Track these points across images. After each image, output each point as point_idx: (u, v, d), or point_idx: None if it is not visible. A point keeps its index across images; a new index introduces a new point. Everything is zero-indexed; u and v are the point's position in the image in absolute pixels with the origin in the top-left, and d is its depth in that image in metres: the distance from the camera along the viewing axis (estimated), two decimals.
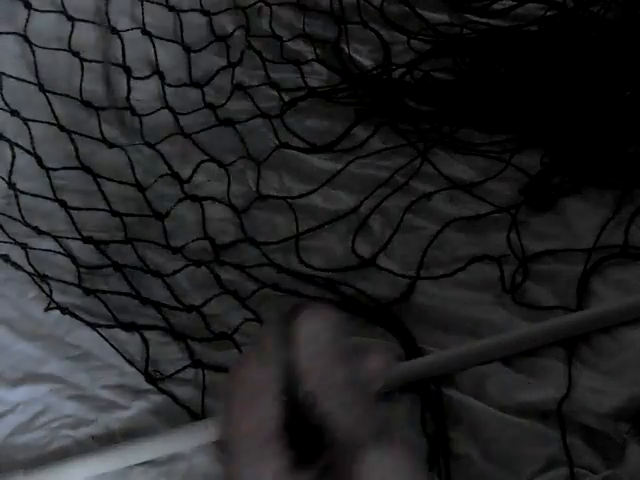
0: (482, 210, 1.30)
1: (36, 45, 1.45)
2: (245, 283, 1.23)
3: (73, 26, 1.48)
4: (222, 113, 1.47)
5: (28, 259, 1.25)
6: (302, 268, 1.24)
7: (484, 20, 1.63)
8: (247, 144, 1.42)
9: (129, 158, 1.38)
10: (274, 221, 1.32)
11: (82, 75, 1.45)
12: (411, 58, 1.56)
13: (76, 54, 1.46)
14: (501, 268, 1.21)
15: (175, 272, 1.24)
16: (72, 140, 1.40)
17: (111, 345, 1.14)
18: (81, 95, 1.44)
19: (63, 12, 1.48)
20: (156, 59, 1.49)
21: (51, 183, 1.35)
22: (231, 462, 0.43)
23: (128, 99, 1.46)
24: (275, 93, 1.50)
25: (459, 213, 1.30)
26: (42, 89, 1.43)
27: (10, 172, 1.36)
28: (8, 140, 1.39)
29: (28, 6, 1.46)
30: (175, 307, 1.20)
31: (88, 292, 1.21)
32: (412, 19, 1.62)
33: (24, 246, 1.27)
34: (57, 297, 1.20)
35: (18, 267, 1.24)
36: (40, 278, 1.22)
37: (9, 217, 1.31)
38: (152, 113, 1.45)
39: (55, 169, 1.37)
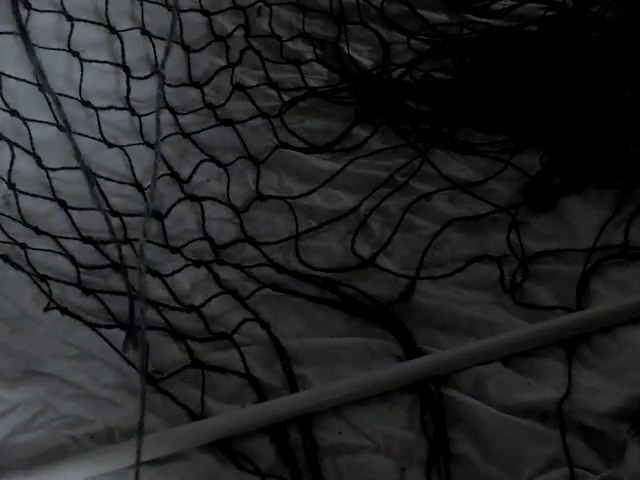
0: (482, 210, 1.30)
1: (36, 45, 1.45)
2: (245, 283, 1.23)
3: (73, 26, 1.47)
4: (222, 113, 1.47)
5: (28, 259, 1.25)
6: (302, 268, 1.24)
7: (484, 20, 1.63)
8: (247, 144, 1.42)
9: (129, 158, 1.38)
10: (274, 221, 1.32)
11: (82, 75, 1.45)
12: (411, 58, 1.56)
13: (76, 54, 1.46)
14: (501, 268, 1.21)
15: (175, 272, 1.24)
16: (72, 140, 1.40)
17: (111, 345, 1.14)
18: (81, 95, 1.44)
19: (63, 12, 1.48)
20: (156, 59, 1.49)
21: (51, 183, 1.35)
22: None
23: (128, 99, 1.47)
24: (275, 93, 1.51)
25: (459, 213, 1.30)
26: (42, 89, 1.43)
27: (10, 172, 1.36)
28: (8, 140, 1.38)
29: (28, 6, 1.46)
30: (175, 307, 1.19)
31: (88, 292, 1.21)
32: (412, 19, 1.63)
33: (24, 246, 1.27)
34: (56, 297, 1.20)
35: (18, 267, 1.24)
36: (39, 278, 1.22)
37: (8, 217, 1.31)
38: (152, 113, 1.45)
39: (55, 169, 1.37)
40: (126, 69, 1.47)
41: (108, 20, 1.50)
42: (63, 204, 1.33)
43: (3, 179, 1.35)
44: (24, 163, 1.38)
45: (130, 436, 1.04)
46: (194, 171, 1.38)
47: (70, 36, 1.47)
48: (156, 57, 1.49)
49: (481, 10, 1.65)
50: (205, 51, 1.54)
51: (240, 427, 1.03)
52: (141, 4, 1.52)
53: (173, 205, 1.32)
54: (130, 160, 1.38)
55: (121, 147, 1.40)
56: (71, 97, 1.44)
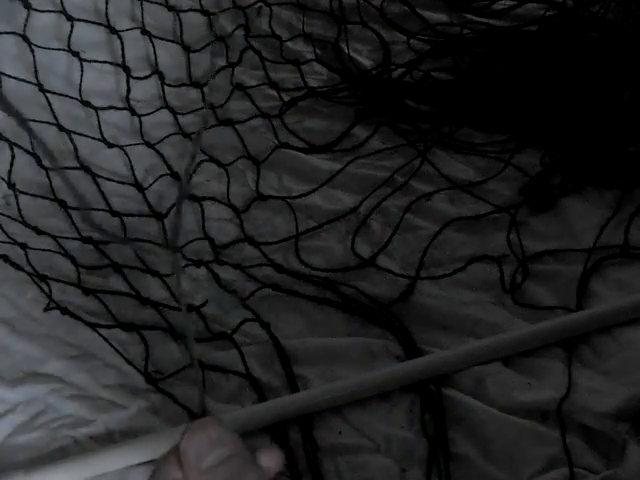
0: (482, 210, 1.30)
1: (35, 45, 1.45)
2: (245, 283, 1.23)
3: (73, 26, 1.47)
4: (222, 113, 1.47)
5: (28, 259, 1.25)
6: (302, 268, 1.24)
7: (484, 20, 1.63)
8: (247, 144, 1.42)
9: (129, 158, 1.38)
10: (274, 221, 1.32)
11: (82, 75, 1.45)
12: (411, 58, 1.56)
13: (76, 54, 1.46)
14: (501, 268, 1.21)
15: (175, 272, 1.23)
16: (72, 140, 1.40)
17: (111, 345, 1.14)
18: (80, 95, 1.44)
19: (63, 12, 1.48)
20: (156, 59, 1.49)
21: (51, 183, 1.35)
22: None
23: (127, 99, 1.47)
24: (275, 93, 1.51)
25: (459, 213, 1.30)
26: (42, 89, 1.43)
27: (10, 172, 1.36)
28: (8, 140, 1.38)
29: (27, 6, 1.46)
30: (175, 307, 1.19)
31: (87, 292, 1.21)
32: (412, 19, 1.63)
33: (23, 246, 1.27)
34: (57, 297, 1.20)
35: (18, 267, 1.24)
36: (39, 278, 1.22)
37: (8, 217, 1.31)
38: (152, 113, 1.45)
39: (55, 169, 1.37)
40: (126, 69, 1.47)
41: (108, 20, 1.50)
42: (63, 204, 1.33)
43: (3, 179, 1.35)
44: (24, 163, 1.38)
45: (130, 436, 1.04)
46: (194, 171, 1.38)
47: (70, 36, 1.47)
48: (156, 57, 1.49)
49: (481, 10, 1.65)
50: (205, 51, 1.54)
51: (240, 427, 1.03)
52: (141, 4, 1.52)
53: (173, 205, 1.32)
54: (130, 160, 1.38)
55: (121, 147, 1.40)
56: (71, 97, 1.44)
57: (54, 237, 1.28)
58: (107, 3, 1.49)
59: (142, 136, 1.42)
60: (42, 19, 1.48)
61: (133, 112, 1.45)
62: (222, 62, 1.53)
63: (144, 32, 1.51)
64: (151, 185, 1.36)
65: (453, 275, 1.21)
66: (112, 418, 1.06)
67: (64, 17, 1.48)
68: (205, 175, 1.39)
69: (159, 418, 1.06)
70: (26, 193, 1.34)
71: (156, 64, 1.49)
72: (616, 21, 1.57)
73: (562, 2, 1.61)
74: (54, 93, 1.43)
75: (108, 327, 1.16)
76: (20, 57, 1.46)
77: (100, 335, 1.15)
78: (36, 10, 1.47)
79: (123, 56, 1.47)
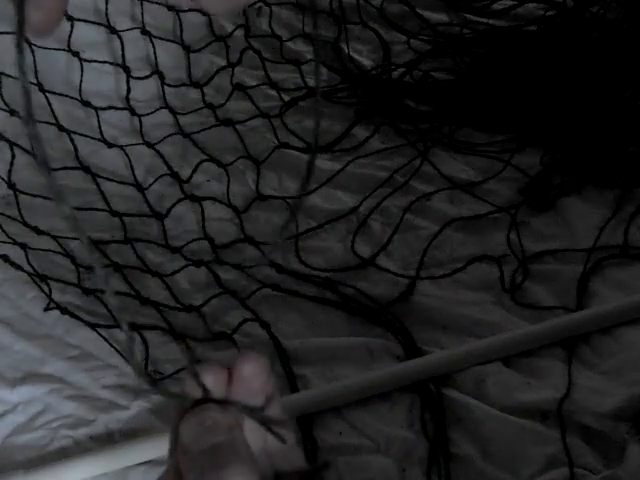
0: (482, 210, 1.30)
1: (35, 45, 1.45)
2: (245, 283, 1.23)
3: (73, 26, 1.47)
4: (222, 113, 1.47)
5: (28, 259, 1.25)
6: (302, 268, 1.24)
7: (484, 20, 1.63)
8: (247, 144, 1.42)
9: (129, 158, 1.38)
10: (274, 221, 1.32)
11: (81, 75, 1.45)
12: (411, 58, 1.56)
13: (76, 54, 1.46)
14: (501, 268, 1.21)
15: (175, 272, 1.24)
16: (71, 140, 1.40)
17: (111, 345, 1.14)
18: (80, 95, 1.44)
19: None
20: (156, 59, 1.49)
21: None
22: None
23: (127, 99, 1.47)
24: (275, 93, 1.51)
25: (459, 213, 1.30)
26: (42, 89, 1.43)
27: (10, 172, 1.36)
28: (8, 140, 1.38)
29: None
30: (175, 307, 1.19)
31: (87, 292, 1.21)
32: (412, 19, 1.63)
33: (23, 246, 1.26)
34: (56, 297, 1.20)
35: (17, 267, 1.24)
36: (39, 278, 1.22)
37: (8, 217, 1.31)
38: (152, 113, 1.45)
39: (55, 169, 1.36)
40: (126, 69, 1.47)
41: (108, 20, 1.50)
42: None
43: (3, 179, 1.35)
44: (24, 163, 1.38)
45: (130, 436, 1.04)
46: (194, 171, 1.38)
47: (70, 36, 1.47)
48: (156, 57, 1.49)
49: (481, 10, 1.65)
50: (205, 51, 1.54)
51: None
52: (141, 4, 1.52)
53: (173, 205, 1.32)
54: (130, 160, 1.38)
55: (121, 147, 1.40)
56: (71, 97, 1.44)
57: (54, 237, 1.28)
58: (107, 3, 1.49)
59: (142, 136, 1.42)
60: None
61: (133, 112, 1.45)
62: (222, 62, 1.53)
63: (144, 32, 1.51)
64: (151, 185, 1.36)
65: (453, 275, 1.21)
66: (112, 418, 1.06)
67: (64, 17, 1.48)
68: (205, 175, 1.39)
69: (159, 418, 1.06)
70: (26, 193, 1.34)
71: (156, 64, 1.49)
72: (616, 21, 1.57)
73: (562, 2, 1.62)
74: (54, 93, 1.43)
75: (108, 327, 1.16)
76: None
77: (100, 335, 1.15)
78: None
79: (123, 56, 1.47)
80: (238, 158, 1.39)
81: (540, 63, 1.49)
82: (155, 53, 1.49)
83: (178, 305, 1.20)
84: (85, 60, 1.46)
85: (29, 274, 1.23)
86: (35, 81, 1.43)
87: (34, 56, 1.44)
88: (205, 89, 1.49)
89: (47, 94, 1.43)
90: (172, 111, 1.46)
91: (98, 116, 1.42)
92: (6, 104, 1.42)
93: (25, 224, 1.30)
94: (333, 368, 1.11)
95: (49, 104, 1.42)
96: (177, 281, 1.23)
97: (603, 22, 1.57)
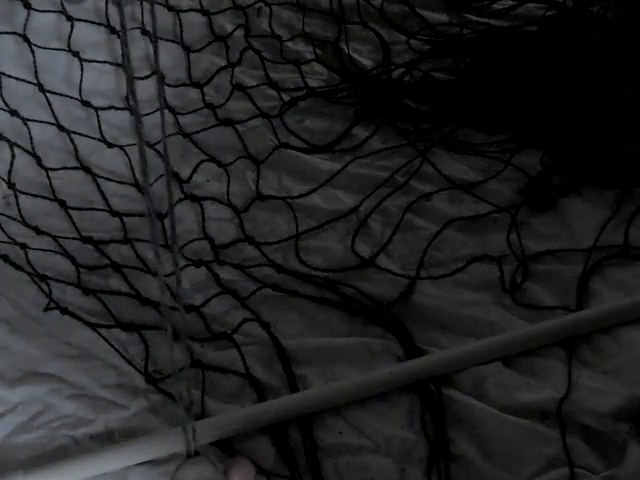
0: (482, 210, 1.30)
1: (35, 45, 1.45)
2: (245, 283, 1.23)
3: (73, 26, 1.47)
4: (222, 113, 1.47)
5: (27, 259, 1.25)
6: (302, 268, 1.24)
7: (484, 20, 1.63)
8: (247, 144, 1.42)
9: (129, 158, 1.38)
10: (274, 221, 1.32)
11: (82, 75, 1.45)
12: (411, 58, 1.56)
13: (76, 54, 1.46)
14: (501, 268, 1.21)
15: (175, 272, 1.23)
16: (72, 140, 1.40)
17: (111, 345, 1.14)
18: (80, 95, 1.44)
19: (63, 12, 1.48)
20: (156, 59, 1.49)
21: (51, 183, 1.35)
22: None
23: (128, 99, 1.47)
24: (275, 93, 1.51)
25: (459, 213, 1.30)
26: (42, 89, 1.43)
27: (9, 172, 1.36)
28: (8, 140, 1.38)
29: (27, 6, 1.46)
30: (175, 307, 1.19)
31: (87, 292, 1.21)
32: (412, 19, 1.63)
33: (23, 246, 1.27)
34: (57, 297, 1.20)
35: (17, 267, 1.24)
36: (39, 278, 1.22)
37: (8, 217, 1.31)
38: (152, 113, 1.44)
39: (55, 169, 1.37)
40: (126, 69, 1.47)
41: (108, 20, 1.50)
42: (63, 204, 1.33)
43: (3, 179, 1.35)
44: (24, 163, 1.38)
45: (130, 436, 1.04)
46: (194, 171, 1.38)
47: (70, 36, 1.47)
48: (156, 57, 1.49)
49: (481, 10, 1.65)
50: (205, 51, 1.54)
51: (240, 427, 1.03)
52: (141, 4, 1.52)
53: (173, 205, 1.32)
54: (130, 160, 1.38)
55: (121, 147, 1.40)
56: (71, 97, 1.44)
57: (54, 237, 1.28)
58: (107, 3, 1.49)
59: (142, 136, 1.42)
60: (42, 19, 1.48)
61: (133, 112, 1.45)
62: (222, 62, 1.53)
63: (144, 32, 1.51)
64: (151, 185, 1.35)
65: (453, 275, 1.21)
66: (112, 418, 1.06)
67: (64, 17, 1.48)
68: (205, 175, 1.39)
69: (159, 418, 1.06)
70: (26, 193, 1.34)
71: (156, 64, 1.48)
72: (616, 21, 1.57)
73: (562, 2, 1.61)
74: (54, 93, 1.43)
75: (108, 327, 1.16)
76: (20, 57, 1.46)
77: (100, 335, 1.15)
78: (36, 10, 1.47)
79: (123, 56, 1.47)
80: (238, 158, 1.39)
81: (540, 63, 1.49)
82: (155, 53, 1.49)
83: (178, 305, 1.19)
84: (85, 60, 1.46)
85: (29, 274, 1.23)
86: (35, 81, 1.43)
87: (34, 56, 1.44)
88: (205, 89, 1.50)
89: (47, 94, 1.43)
90: (172, 111, 1.46)
91: (98, 116, 1.42)
92: (6, 104, 1.42)
93: (25, 224, 1.30)
94: (333, 368, 1.11)
95: (49, 104, 1.42)
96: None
97: (603, 22, 1.57)
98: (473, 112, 1.46)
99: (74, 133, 1.40)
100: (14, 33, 1.46)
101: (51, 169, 1.37)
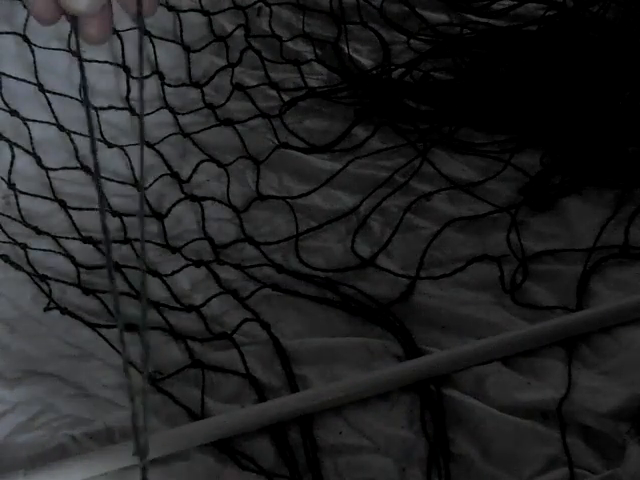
0: (482, 210, 1.30)
1: (35, 45, 1.45)
2: (245, 283, 1.23)
3: None
4: (222, 113, 1.47)
5: (27, 259, 1.25)
6: (302, 268, 1.24)
7: (484, 20, 1.63)
8: (247, 144, 1.42)
9: (129, 158, 1.38)
10: (274, 221, 1.32)
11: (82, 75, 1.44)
12: (411, 58, 1.56)
13: (76, 54, 1.46)
14: (501, 268, 1.21)
15: (175, 272, 1.24)
16: (72, 140, 1.40)
17: (111, 345, 1.14)
18: (80, 95, 1.44)
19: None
20: (156, 59, 1.49)
21: (51, 183, 1.35)
22: None
23: (127, 99, 1.47)
24: (275, 93, 1.51)
25: (459, 213, 1.30)
26: (42, 89, 1.43)
27: (9, 172, 1.36)
28: (7, 140, 1.38)
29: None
30: (175, 307, 1.19)
31: (87, 292, 1.21)
32: (412, 19, 1.63)
33: (23, 246, 1.27)
34: (57, 297, 1.20)
35: (17, 267, 1.24)
36: (39, 278, 1.22)
37: (8, 217, 1.31)
38: (152, 113, 1.45)
39: (55, 169, 1.37)
40: (126, 69, 1.47)
41: None
42: (63, 204, 1.33)
43: (3, 179, 1.35)
44: (24, 163, 1.38)
45: (130, 436, 1.04)
46: (194, 171, 1.38)
47: (70, 36, 1.47)
48: (156, 57, 1.49)
49: (481, 10, 1.65)
50: (205, 51, 1.54)
51: (240, 427, 1.03)
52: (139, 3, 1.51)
53: (173, 205, 1.32)
54: (130, 160, 1.38)
55: (121, 147, 1.40)
56: (71, 97, 1.44)
57: (54, 237, 1.28)
58: (107, 3, 1.49)
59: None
60: None
61: (133, 112, 1.45)
62: (222, 62, 1.53)
63: (144, 32, 1.50)
64: (151, 185, 1.36)
65: (453, 275, 1.21)
66: (112, 418, 1.06)
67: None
68: (205, 175, 1.39)
69: (159, 418, 1.06)
70: (26, 193, 1.34)
71: (156, 64, 1.49)
72: (616, 21, 1.57)
73: (562, 2, 1.61)
74: (54, 93, 1.43)
75: (108, 327, 1.16)
76: (20, 57, 1.46)
77: (100, 335, 1.15)
78: None
79: (123, 56, 1.47)
80: (238, 158, 1.39)
81: (540, 63, 1.49)
82: (155, 53, 1.49)
83: (178, 305, 1.20)
84: (85, 60, 1.46)
85: (29, 274, 1.23)
86: (35, 81, 1.43)
87: (34, 56, 1.44)
88: (205, 89, 1.49)
89: (47, 94, 1.43)
90: (172, 111, 1.46)
91: (98, 116, 1.42)
92: (6, 104, 1.42)
93: (25, 224, 1.30)
94: (333, 368, 1.11)
95: (49, 104, 1.42)
96: (177, 281, 1.23)
97: (603, 22, 1.57)
98: (473, 112, 1.46)
99: (74, 133, 1.40)
100: (14, 33, 1.46)
101: (51, 169, 1.37)
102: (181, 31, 1.53)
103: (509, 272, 1.21)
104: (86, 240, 1.28)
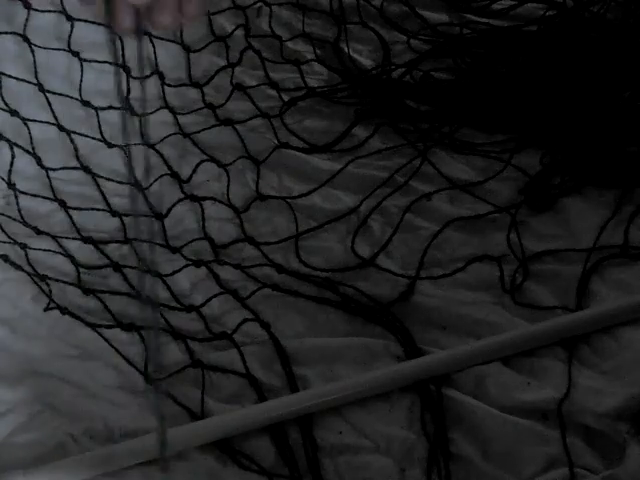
0: (482, 210, 1.30)
1: (35, 45, 1.45)
2: (245, 283, 1.23)
3: (72, 25, 1.47)
4: (222, 113, 1.47)
5: (27, 259, 1.25)
6: (302, 268, 1.24)
7: (484, 20, 1.63)
8: (247, 144, 1.42)
9: (128, 158, 1.38)
10: (274, 221, 1.32)
11: (82, 75, 1.45)
12: (411, 58, 1.56)
13: (76, 54, 1.46)
14: (501, 268, 1.21)
15: (175, 272, 1.24)
16: (72, 140, 1.40)
17: (111, 345, 1.14)
18: (80, 95, 1.44)
19: (63, 12, 1.48)
20: (156, 59, 1.49)
21: (51, 183, 1.35)
22: None
23: (127, 99, 1.46)
24: (275, 93, 1.51)
25: (459, 213, 1.30)
26: (42, 89, 1.43)
27: (9, 172, 1.36)
28: (8, 140, 1.38)
29: (27, 6, 1.46)
30: (175, 307, 1.19)
31: (88, 292, 1.21)
32: (412, 19, 1.63)
33: (23, 246, 1.26)
34: (56, 297, 1.20)
35: (17, 267, 1.24)
36: (39, 278, 1.22)
37: (8, 217, 1.31)
38: (152, 113, 1.44)
39: (55, 169, 1.37)
40: (126, 69, 1.47)
41: None
42: (63, 204, 1.33)
43: (3, 179, 1.35)
44: (24, 163, 1.38)
45: (130, 436, 1.04)
46: (194, 171, 1.38)
47: (70, 36, 1.47)
48: (156, 57, 1.49)
49: (481, 10, 1.65)
50: (205, 51, 1.54)
51: (240, 427, 1.03)
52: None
53: (173, 205, 1.32)
54: (130, 160, 1.38)
55: (121, 147, 1.40)
56: (71, 97, 1.44)
57: (54, 237, 1.28)
58: (107, 3, 1.49)
59: (142, 136, 1.42)
60: (42, 19, 1.48)
61: (133, 112, 1.44)
62: (222, 62, 1.53)
63: (144, 32, 1.50)
64: (151, 185, 1.35)
65: (453, 275, 1.21)
66: (112, 418, 1.06)
67: (64, 17, 1.48)
68: (205, 175, 1.39)
69: (159, 418, 1.06)
70: (26, 193, 1.34)
71: (156, 64, 1.49)
72: (616, 21, 1.57)
73: (562, 2, 1.62)
74: (54, 93, 1.43)
75: (108, 327, 1.16)
76: (20, 57, 1.46)
77: (100, 335, 1.15)
78: (36, 10, 1.47)
79: (123, 56, 1.47)
80: (238, 158, 1.39)
81: (540, 63, 1.49)
82: (155, 53, 1.49)
83: (178, 305, 1.20)
84: (85, 60, 1.46)
85: (29, 274, 1.23)
86: (35, 81, 1.43)
87: (34, 56, 1.44)
88: (205, 89, 1.49)
89: (47, 94, 1.43)
90: (172, 111, 1.46)
91: (98, 116, 1.42)
92: (6, 104, 1.42)
93: (25, 224, 1.30)
94: (333, 368, 1.11)
95: (49, 104, 1.42)
96: (177, 281, 1.23)
97: (603, 22, 1.57)
98: (473, 112, 1.46)
99: (74, 133, 1.40)
100: (14, 33, 1.46)
101: (51, 169, 1.37)
102: (181, 31, 1.53)
103: (509, 272, 1.21)
104: (86, 240, 1.28)
